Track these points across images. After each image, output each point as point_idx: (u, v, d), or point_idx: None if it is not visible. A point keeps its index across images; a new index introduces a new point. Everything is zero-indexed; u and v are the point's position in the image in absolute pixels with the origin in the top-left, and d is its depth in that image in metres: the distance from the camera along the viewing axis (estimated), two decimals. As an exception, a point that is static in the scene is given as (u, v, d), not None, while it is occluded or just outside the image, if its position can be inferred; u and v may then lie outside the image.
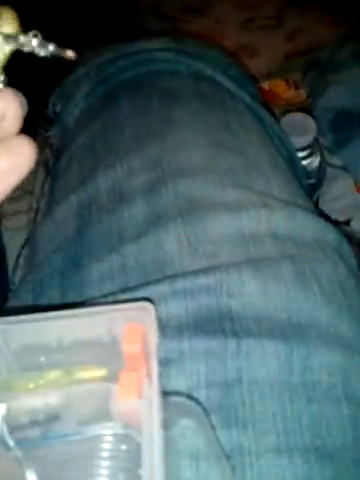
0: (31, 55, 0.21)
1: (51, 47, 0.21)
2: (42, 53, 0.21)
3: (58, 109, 0.45)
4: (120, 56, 0.42)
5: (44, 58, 0.21)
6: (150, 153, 0.36)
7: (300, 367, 0.26)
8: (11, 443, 0.18)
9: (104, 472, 0.18)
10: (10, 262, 0.47)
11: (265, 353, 0.26)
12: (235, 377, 0.25)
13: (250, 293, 0.28)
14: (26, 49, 0.21)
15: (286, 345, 0.26)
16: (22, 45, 0.21)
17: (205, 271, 0.29)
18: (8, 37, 0.20)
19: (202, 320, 0.27)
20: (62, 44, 0.22)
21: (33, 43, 0.21)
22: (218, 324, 0.27)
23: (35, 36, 0.21)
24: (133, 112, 0.39)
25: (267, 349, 0.26)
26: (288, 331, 0.27)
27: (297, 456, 0.24)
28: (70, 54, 0.21)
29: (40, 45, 0.21)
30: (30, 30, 0.21)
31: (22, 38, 0.21)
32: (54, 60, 0.22)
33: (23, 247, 0.40)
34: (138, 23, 0.94)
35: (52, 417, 0.20)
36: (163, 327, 0.27)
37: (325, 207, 0.53)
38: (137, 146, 0.36)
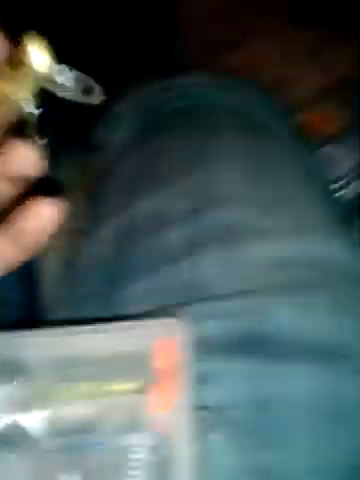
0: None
1: (82, 83, 0.20)
2: (69, 88, 0.20)
3: (100, 139, 0.48)
4: (161, 90, 0.44)
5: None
6: (190, 182, 0.37)
7: (332, 391, 0.26)
8: (51, 446, 0.19)
9: (136, 481, 0.19)
10: (46, 280, 0.50)
11: (298, 376, 0.27)
12: (268, 398, 0.26)
13: (284, 318, 0.29)
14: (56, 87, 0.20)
15: (318, 369, 0.27)
16: (52, 81, 0.20)
17: (242, 294, 0.30)
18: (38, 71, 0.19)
19: (238, 341, 0.28)
20: (100, 77, 0.22)
21: (67, 79, 0.20)
22: (252, 346, 0.28)
23: (67, 71, 0.20)
24: (174, 144, 0.41)
25: (300, 372, 0.27)
26: (320, 356, 0.28)
27: (331, 479, 0.24)
28: (99, 98, 0.21)
29: (74, 82, 0.20)
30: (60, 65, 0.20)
31: (55, 76, 0.20)
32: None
33: (64, 266, 0.42)
34: (177, 57, 0.98)
35: (87, 427, 0.21)
36: (199, 346, 0.28)
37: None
38: (178, 175, 0.38)
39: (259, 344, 0.28)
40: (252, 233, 0.34)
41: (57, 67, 0.20)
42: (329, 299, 0.30)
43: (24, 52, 0.19)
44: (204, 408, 0.22)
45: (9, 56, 0.20)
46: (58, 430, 0.20)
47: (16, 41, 0.20)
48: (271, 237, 0.33)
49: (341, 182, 0.48)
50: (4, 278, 0.41)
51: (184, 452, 0.18)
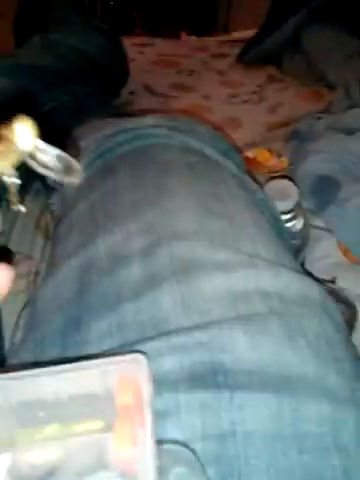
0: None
1: (62, 164, 0.22)
2: (48, 173, 0.22)
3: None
4: (117, 132, 0.46)
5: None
6: (146, 219, 0.38)
7: (290, 418, 0.27)
8: None
9: None
10: (8, 325, 0.49)
11: (257, 405, 0.27)
12: (229, 429, 0.26)
13: (241, 348, 0.30)
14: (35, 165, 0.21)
15: (276, 397, 0.28)
16: (33, 161, 0.21)
17: (198, 327, 0.31)
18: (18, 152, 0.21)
19: (196, 374, 0.28)
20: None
21: (46, 159, 0.21)
22: (212, 378, 0.28)
23: (46, 151, 0.21)
24: (130, 182, 0.42)
25: (258, 401, 0.27)
26: (278, 384, 0.28)
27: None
28: (76, 178, 0.22)
29: (53, 163, 0.21)
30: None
31: (35, 154, 0.21)
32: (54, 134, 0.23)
33: (23, 309, 0.42)
34: (130, 99, 1.02)
35: (51, 470, 0.20)
36: (160, 381, 0.28)
37: (311, 266, 0.56)
38: (134, 213, 0.39)
39: (218, 375, 0.28)
40: (207, 267, 0.35)
41: (41, 146, 0.21)
42: (284, 328, 0.31)
43: (11, 129, 0.21)
44: (168, 441, 0.22)
45: None
46: (23, 476, 0.20)
47: (4, 119, 0.21)
48: (226, 270, 0.34)
49: (288, 216, 0.51)
50: None
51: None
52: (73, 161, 0.22)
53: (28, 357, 0.34)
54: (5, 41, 0.98)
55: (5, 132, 0.21)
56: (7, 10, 0.98)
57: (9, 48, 0.96)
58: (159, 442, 0.21)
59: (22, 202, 0.23)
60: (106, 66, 0.85)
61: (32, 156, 0.21)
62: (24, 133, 0.21)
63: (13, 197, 0.22)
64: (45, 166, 0.22)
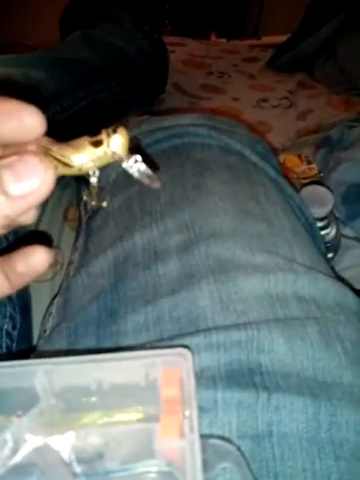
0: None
1: (145, 173, 0.24)
2: (135, 175, 0.24)
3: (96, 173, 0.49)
4: (157, 129, 0.46)
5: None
6: (183, 217, 0.39)
7: (327, 424, 0.27)
8: (78, 470, 0.19)
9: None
10: (35, 312, 0.49)
11: (294, 408, 0.27)
12: (266, 430, 0.26)
13: (278, 350, 0.30)
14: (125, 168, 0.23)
15: (313, 401, 0.28)
16: (123, 166, 0.23)
17: (236, 327, 0.31)
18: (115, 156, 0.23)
19: (234, 373, 0.29)
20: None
21: (134, 168, 0.23)
22: (249, 378, 0.28)
23: (136, 161, 0.23)
24: (168, 180, 0.42)
25: (295, 404, 0.27)
26: (315, 388, 0.28)
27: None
28: (156, 185, 0.24)
29: (139, 172, 0.23)
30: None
31: (126, 163, 0.23)
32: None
33: (55, 296, 0.42)
34: (161, 97, 1.02)
35: (96, 455, 0.21)
36: (197, 378, 0.28)
37: (340, 275, 0.55)
38: (171, 210, 0.39)
39: (255, 376, 0.28)
40: (245, 267, 0.35)
41: (129, 158, 0.23)
42: (321, 333, 0.31)
43: (109, 135, 0.22)
44: (213, 437, 0.22)
45: (95, 135, 0.23)
46: (68, 459, 0.20)
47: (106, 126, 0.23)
48: (264, 272, 0.34)
49: (323, 223, 0.51)
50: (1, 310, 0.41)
51: (197, 479, 0.18)
52: (151, 173, 0.24)
53: (61, 344, 0.35)
54: (51, 34, 0.99)
55: (101, 136, 0.22)
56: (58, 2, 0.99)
57: (54, 41, 0.97)
58: (204, 437, 0.21)
59: (101, 199, 0.25)
60: (144, 69, 0.85)
61: (119, 164, 0.23)
62: (120, 142, 0.22)
63: (94, 195, 0.24)
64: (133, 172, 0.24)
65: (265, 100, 1.05)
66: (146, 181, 0.24)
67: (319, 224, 0.50)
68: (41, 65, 0.65)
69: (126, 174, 0.46)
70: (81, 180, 0.56)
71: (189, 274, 0.35)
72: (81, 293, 0.38)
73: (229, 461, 0.22)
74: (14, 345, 0.40)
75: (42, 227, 0.63)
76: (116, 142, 0.22)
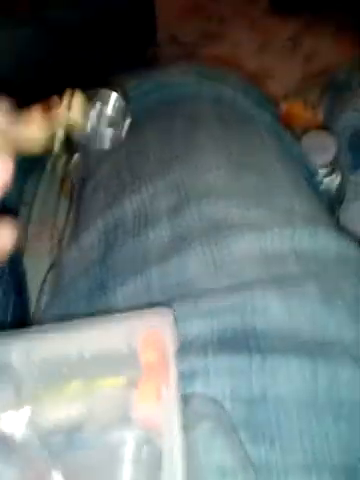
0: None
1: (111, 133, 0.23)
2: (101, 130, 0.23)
3: (81, 138, 0.46)
4: (144, 81, 0.43)
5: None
6: (173, 176, 0.37)
7: (326, 384, 0.26)
8: (37, 443, 0.19)
9: (127, 475, 0.18)
10: (31, 288, 0.49)
11: (290, 370, 0.26)
12: (260, 394, 0.25)
13: (274, 311, 0.28)
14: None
15: (311, 362, 0.26)
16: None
17: (229, 290, 0.29)
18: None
19: (227, 338, 0.27)
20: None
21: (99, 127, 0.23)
22: (243, 341, 0.27)
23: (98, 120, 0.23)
24: (156, 137, 0.40)
25: (292, 366, 0.26)
26: (313, 348, 0.27)
27: (326, 475, 0.23)
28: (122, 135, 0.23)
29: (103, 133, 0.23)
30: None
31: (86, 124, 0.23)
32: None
33: (48, 272, 0.41)
34: (157, 50, 0.97)
35: (75, 425, 0.20)
36: (187, 346, 0.27)
37: (345, 225, 0.53)
38: (161, 170, 0.37)
39: (249, 339, 0.27)
40: (239, 226, 0.33)
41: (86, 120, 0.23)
42: (320, 290, 0.29)
43: (62, 102, 0.22)
44: (193, 396, 0.21)
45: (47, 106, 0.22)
46: (47, 430, 0.20)
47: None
48: (259, 229, 0.32)
49: (325, 170, 0.48)
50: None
51: (174, 445, 0.18)
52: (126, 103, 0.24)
53: (54, 321, 0.34)
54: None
55: (52, 106, 0.22)
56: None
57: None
58: (186, 398, 0.20)
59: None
60: (134, 19, 0.80)
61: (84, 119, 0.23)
62: (77, 106, 0.22)
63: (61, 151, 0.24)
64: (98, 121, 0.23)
65: (268, 44, 1.00)
66: (114, 139, 0.22)
67: (322, 172, 0.47)
68: (26, 27, 0.62)
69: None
70: (74, 148, 0.54)
71: (180, 238, 0.33)
72: (72, 267, 0.37)
73: (211, 421, 0.21)
74: (8, 323, 0.39)
75: (38, 199, 0.62)
76: (71, 108, 0.22)
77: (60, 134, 0.22)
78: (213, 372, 0.26)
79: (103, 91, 0.22)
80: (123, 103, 0.22)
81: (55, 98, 0.22)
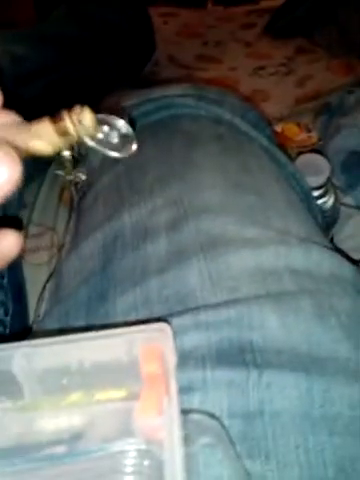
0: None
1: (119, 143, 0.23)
2: (107, 152, 0.23)
3: (83, 150, 0.47)
4: (144, 101, 0.44)
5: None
6: (172, 193, 0.37)
7: (321, 399, 0.26)
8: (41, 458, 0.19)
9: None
10: (32, 296, 0.49)
11: (286, 385, 0.26)
12: (257, 408, 0.26)
13: (270, 326, 0.29)
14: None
15: (306, 377, 0.27)
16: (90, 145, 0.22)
17: (226, 304, 0.30)
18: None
19: (224, 351, 0.28)
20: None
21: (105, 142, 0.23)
22: (240, 356, 0.27)
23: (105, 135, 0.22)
24: (156, 155, 0.41)
25: (288, 381, 0.27)
26: (308, 364, 0.28)
27: (321, 489, 0.24)
28: (133, 147, 0.23)
29: (110, 144, 0.23)
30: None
31: (94, 139, 0.22)
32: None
33: (48, 281, 0.41)
34: (155, 70, 0.99)
35: (76, 436, 0.20)
36: (185, 358, 0.27)
37: (339, 245, 0.54)
38: (160, 186, 0.38)
39: (246, 354, 0.28)
40: (236, 242, 0.34)
41: (96, 134, 0.22)
42: (314, 307, 0.30)
43: (71, 116, 0.22)
44: (193, 412, 0.21)
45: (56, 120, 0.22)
46: (48, 440, 0.20)
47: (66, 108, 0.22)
48: (255, 246, 0.33)
49: (319, 192, 0.49)
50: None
51: (175, 457, 0.18)
52: (132, 132, 0.23)
53: (53, 330, 0.34)
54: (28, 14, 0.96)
55: (65, 118, 0.22)
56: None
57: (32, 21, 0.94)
58: (185, 412, 0.20)
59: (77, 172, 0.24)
60: (132, 37, 0.82)
61: (92, 138, 0.22)
62: (84, 122, 0.21)
63: (69, 170, 0.24)
64: (103, 144, 0.23)
65: (262, 68, 1.02)
66: (123, 153, 0.23)
67: (316, 193, 0.48)
68: (25, 41, 0.63)
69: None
70: (76, 159, 0.54)
71: (178, 252, 0.34)
72: (72, 277, 0.37)
73: (210, 436, 0.21)
74: (7, 331, 0.39)
75: (38, 208, 0.62)
76: (80, 122, 0.21)
77: (67, 150, 0.23)
78: (211, 386, 0.26)
79: (111, 117, 0.22)
80: (130, 132, 0.23)
81: (65, 112, 0.21)
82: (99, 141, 0.23)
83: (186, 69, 1.00)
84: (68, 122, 0.21)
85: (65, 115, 0.21)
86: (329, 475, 0.24)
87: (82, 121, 0.21)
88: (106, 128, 0.22)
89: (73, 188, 0.50)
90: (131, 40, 0.83)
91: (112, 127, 0.22)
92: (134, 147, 0.23)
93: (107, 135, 0.23)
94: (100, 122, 0.22)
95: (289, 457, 0.24)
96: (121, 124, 0.23)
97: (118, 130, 0.23)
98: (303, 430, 0.25)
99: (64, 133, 0.21)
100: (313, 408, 0.26)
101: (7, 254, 0.23)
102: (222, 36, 1.18)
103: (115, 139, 0.23)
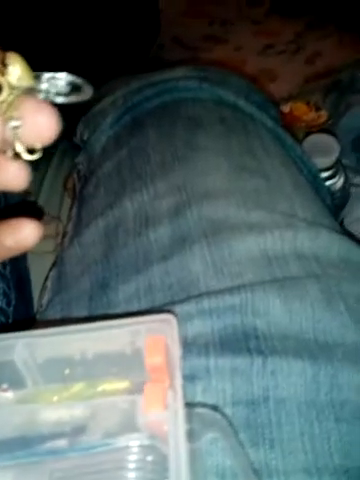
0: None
1: (67, 88, 0.21)
2: (57, 99, 0.21)
3: (85, 137, 0.47)
4: (146, 85, 0.44)
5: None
6: (175, 178, 0.37)
7: (327, 386, 0.26)
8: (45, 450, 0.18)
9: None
10: (37, 285, 0.49)
11: (291, 371, 0.26)
12: (261, 395, 0.25)
13: (275, 312, 0.28)
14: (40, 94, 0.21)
15: (313, 364, 0.26)
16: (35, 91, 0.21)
17: (230, 291, 0.29)
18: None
19: (228, 339, 0.27)
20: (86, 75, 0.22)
21: (50, 91, 0.21)
22: (244, 343, 0.27)
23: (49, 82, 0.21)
24: (158, 139, 0.40)
25: (293, 367, 0.26)
26: (314, 350, 0.27)
27: (327, 477, 0.23)
28: (88, 93, 0.21)
29: (58, 92, 0.21)
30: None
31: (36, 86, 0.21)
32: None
33: (50, 270, 0.41)
34: (160, 53, 0.97)
35: (78, 429, 0.20)
36: (188, 345, 0.27)
37: (350, 227, 0.53)
38: (162, 171, 0.37)
39: (250, 340, 0.27)
40: (240, 228, 0.33)
41: (36, 77, 0.20)
42: (322, 292, 0.29)
43: (5, 71, 0.20)
44: (200, 405, 0.21)
45: None
46: (50, 433, 0.20)
47: None
48: (260, 231, 0.32)
49: (328, 173, 0.48)
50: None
51: (180, 451, 0.18)
52: (77, 78, 0.21)
53: (56, 318, 0.34)
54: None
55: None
56: None
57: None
58: (190, 406, 0.20)
59: (33, 152, 0.21)
60: (136, 19, 0.81)
61: (32, 89, 0.21)
62: (18, 73, 0.20)
63: (20, 144, 0.21)
64: (50, 94, 0.21)
65: (270, 46, 0.99)
66: (75, 98, 0.21)
67: (324, 174, 0.47)
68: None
69: (116, 136, 0.43)
70: (78, 147, 0.54)
71: (181, 238, 0.33)
72: (74, 265, 0.37)
73: (216, 431, 0.21)
74: (10, 321, 0.40)
75: (42, 197, 0.62)
76: (13, 73, 0.20)
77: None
78: (214, 373, 0.26)
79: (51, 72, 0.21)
80: (76, 78, 0.21)
81: None
82: (45, 91, 0.21)
83: (192, 50, 0.98)
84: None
85: None
86: (335, 462, 0.24)
87: (10, 66, 0.20)
88: (46, 75, 0.21)
89: (75, 175, 0.49)
90: (136, 23, 0.81)
91: (54, 78, 0.21)
92: (89, 90, 0.21)
93: (53, 85, 0.21)
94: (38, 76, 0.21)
95: (294, 444, 0.24)
96: (63, 75, 0.21)
97: (62, 79, 0.21)
98: (309, 417, 0.25)
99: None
100: (319, 395, 0.26)
101: (24, 244, 0.22)
102: (228, 14, 1.15)
103: (64, 89, 0.21)
